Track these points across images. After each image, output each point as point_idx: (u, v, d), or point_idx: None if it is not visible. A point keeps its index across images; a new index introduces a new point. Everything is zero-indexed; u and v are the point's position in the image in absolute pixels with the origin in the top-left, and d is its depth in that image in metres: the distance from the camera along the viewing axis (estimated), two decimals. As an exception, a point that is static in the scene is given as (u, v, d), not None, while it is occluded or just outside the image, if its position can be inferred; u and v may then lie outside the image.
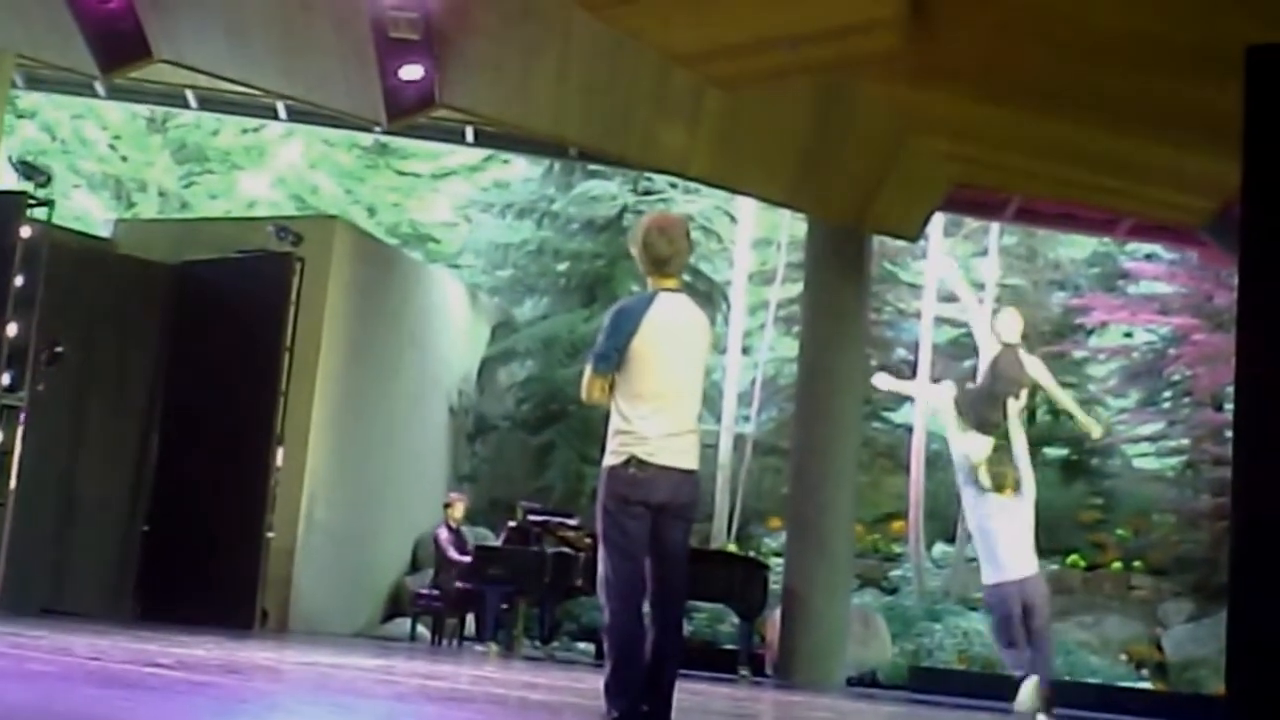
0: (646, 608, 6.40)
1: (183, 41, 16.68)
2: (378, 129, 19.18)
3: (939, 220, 23.21)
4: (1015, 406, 10.73)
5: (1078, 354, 27.80)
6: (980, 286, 26.86)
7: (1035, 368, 11.10)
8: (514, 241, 25.78)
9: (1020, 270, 27.87)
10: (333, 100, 17.94)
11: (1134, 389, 27.01)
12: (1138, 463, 26.99)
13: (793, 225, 24.33)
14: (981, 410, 10.72)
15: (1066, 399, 11.85)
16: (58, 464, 15.32)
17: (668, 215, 7.17)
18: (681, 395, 6.41)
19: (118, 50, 16.53)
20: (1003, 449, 10.51)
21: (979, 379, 11.30)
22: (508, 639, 16.51)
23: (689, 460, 6.40)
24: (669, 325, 6.42)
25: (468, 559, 16.72)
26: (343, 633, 17.65)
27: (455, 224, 28.81)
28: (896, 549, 23.68)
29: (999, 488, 10.45)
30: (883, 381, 12.29)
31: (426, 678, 10.62)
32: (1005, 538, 10.53)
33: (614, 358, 6.38)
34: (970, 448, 10.43)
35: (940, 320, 26.25)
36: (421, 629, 17.70)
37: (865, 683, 18.42)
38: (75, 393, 15.46)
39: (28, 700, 5.85)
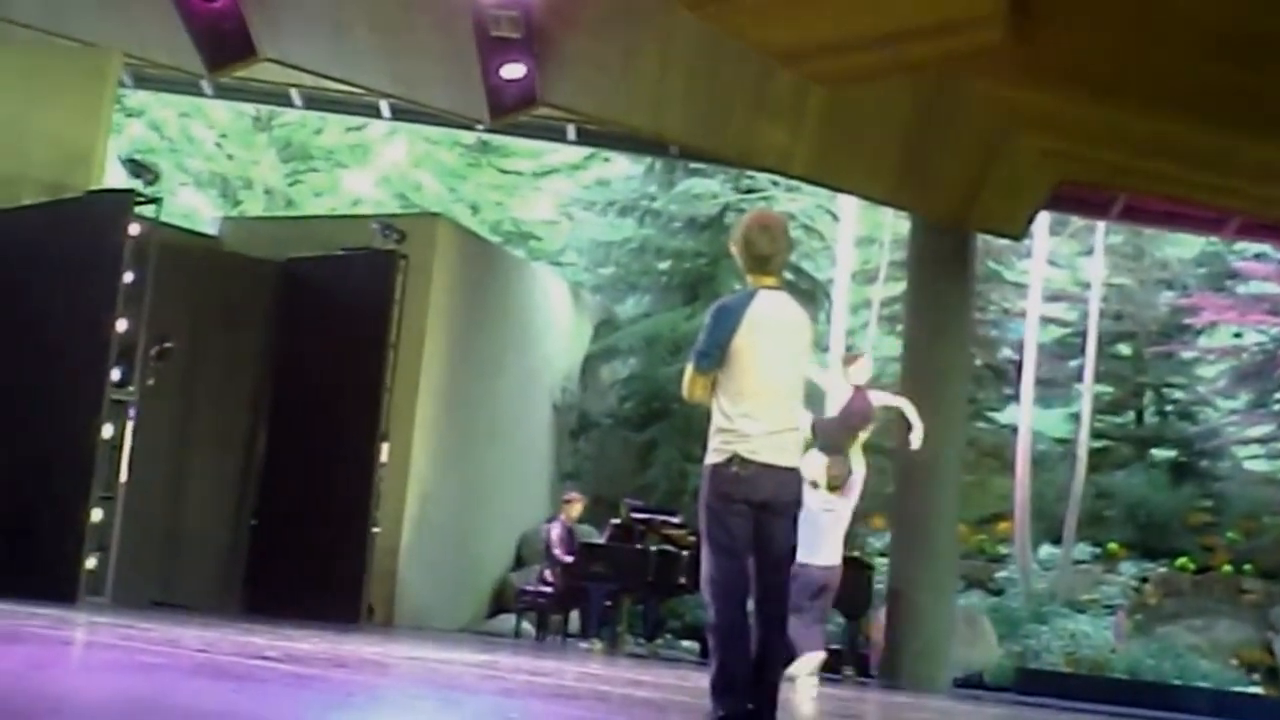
0: (751, 606, 6.36)
1: (288, 41, 16.83)
2: (480, 127, 19.27)
3: (1044, 219, 22.98)
4: (863, 435, 12.91)
5: (1186, 354, 27.48)
6: (1086, 285, 26.61)
7: (881, 399, 13.50)
8: (616, 239, 25.82)
9: (1126, 269, 27.59)
10: (435, 99, 18.05)
11: (1244, 390, 26.67)
12: (1248, 465, 26.64)
13: (896, 223, 24.20)
14: (834, 437, 12.61)
15: (907, 408, 13.62)
16: (167, 458, 15.47)
17: (769, 213, 7.12)
18: (783, 393, 6.37)
19: (224, 49, 16.71)
20: (841, 460, 12.45)
21: (834, 414, 13.08)
22: (612, 636, 16.51)
23: (791, 458, 6.36)
24: (770, 323, 6.38)
25: (571, 559, 16.76)
26: (447, 628, 17.73)
27: (557, 222, 28.90)
28: (1002, 550, 23.47)
29: (831, 488, 12.29)
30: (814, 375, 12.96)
31: (532, 674, 10.63)
32: (831, 532, 12.30)
33: (715, 355, 6.35)
34: (811, 466, 11.88)
35: (1046, 320, 26.04)
36: (526, 625, 17.74)
37: (971, 684, 18.27)
38: (183, 388, 15.61)
39: (139, 692, 5.91)
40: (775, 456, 6.28)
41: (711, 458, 6.36)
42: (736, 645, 6.26)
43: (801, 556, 11.12)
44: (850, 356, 13.85)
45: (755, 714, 6.24)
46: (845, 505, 12.62)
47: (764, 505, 6.28)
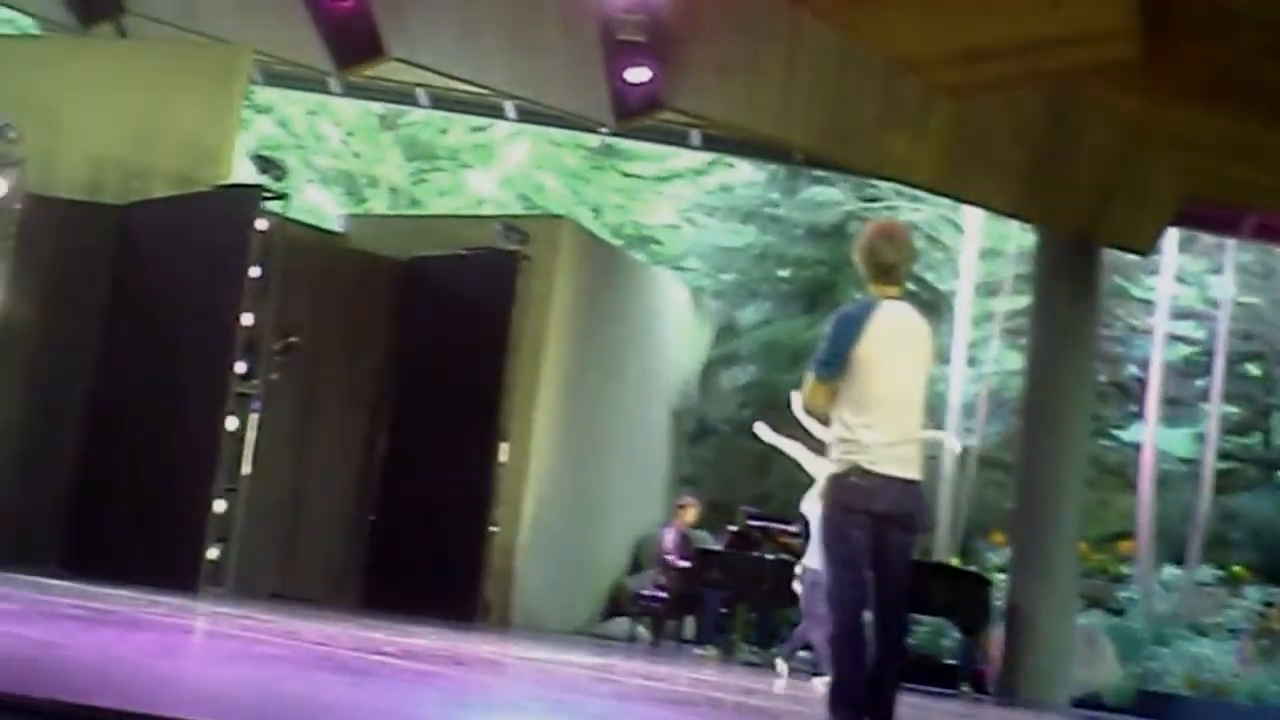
0: (869, 618, 6.30)
1: (415, 41, 16.95)
2: (604, 130, 19.29)
3: (1173, 235, 22.65)
4: None
5: (1318, 377, 26.98)
6: (1214, 303, 26.18)
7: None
8: (737, 246, 25.77)
9: (1256, 288, 27.11)
10: (560, 101, 18.09)
11: (1374, 413, 26.13)
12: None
13: (1021, 236, 23.94)
14: None
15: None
16: (289, 452, 15.59)
17: (893, 222, 7.06)
18: (904, 403, 6.30)
19: (353, 48, 16.88)
20: None
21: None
22: (726, 643, 16.45)
23: (912, 470, 6.28)
24: (892, 333, 6.31)
25: (686, 564, 16.71)
26: (562, 629, 17.74)
27: (679, 227, 28.87)
28: (1124, 569, 23.15)
29: None
30: (762, 431, 13.29)
31: (646, 678, 10.61)
32: None
33: (837, 364, 6.28)
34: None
35: (1172, 337, 25.66)
36: (641, 629, 17.72)
37: (1090, 705, 17.99)
38: (307, 382, 15.73)
39: (260, 682, 5.94)
40: (896, 468, 6.21)
41: (832, 468, 6.31)
42: (854, 657, 6.20)
43: (817, 562, 11.46)
44: None
45: None
46: None
47: (884, 517, 6.21)
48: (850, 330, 6.29)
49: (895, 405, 6.25)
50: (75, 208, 14.61)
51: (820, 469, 12.08)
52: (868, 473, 6.17)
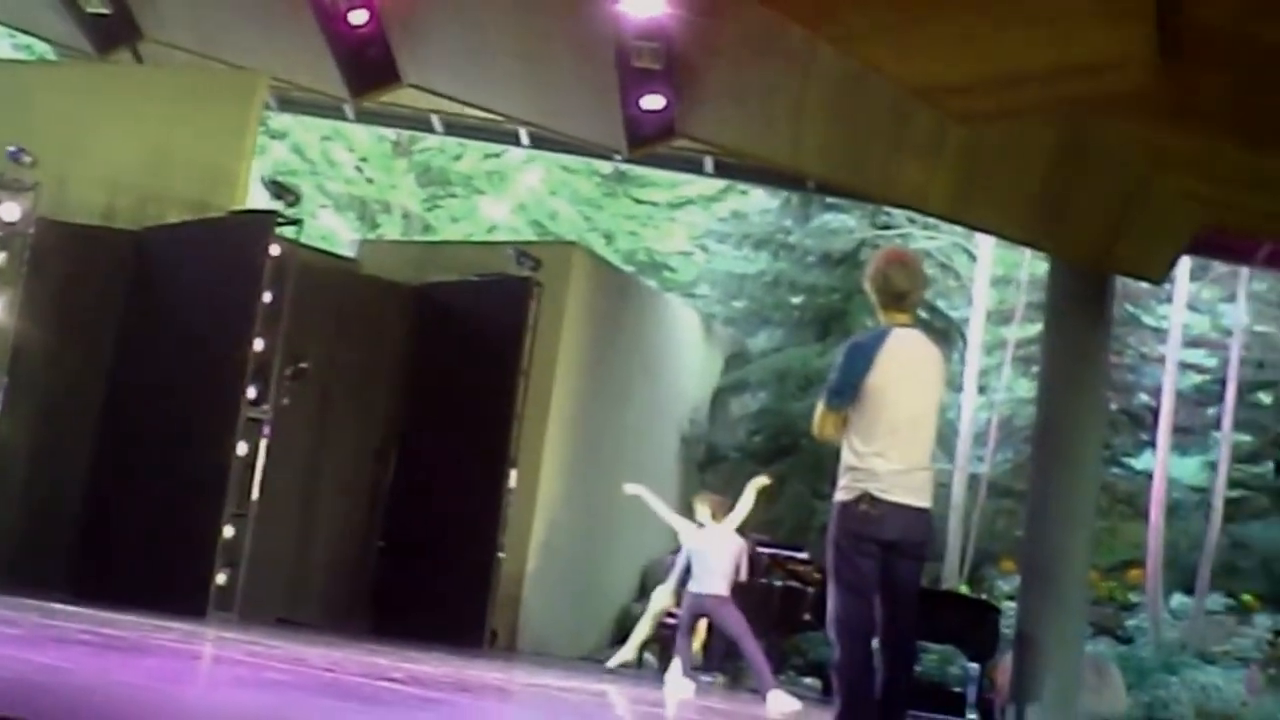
0: (876, 646, 6.30)
1: (430, 67, 17.01)
2: (618, 157, 19.33)
3: (1185, 263, 22.63)
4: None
5: (1330, 405, 26.94)
6: (1227, 332, 26.14)
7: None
8: (749, 273, 25.76)
9: (1270, 317, 27.06)
10: (574, 128, 18.13)
11: (1387, 443, 26.08)
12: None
13: (1033, 264, 23.94)
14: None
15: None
16: (298, 477, 15.65)
17: (904, 250, 7.08)
18: (915, 432, 6.30)
19: (368, 74, 16.94)
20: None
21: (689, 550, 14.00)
22: (734, 670, 16.42)
23: (922, 498, 6.28)
24: (904, 361, 6.31)
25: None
26: (570, 656, 17.74)
27: (691, 253, 28.90)
28: (1133, 598, 23.08)
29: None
30: (632, 489, 14.29)
31: (653, 705, 10.61)
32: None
33: (848, 394, 6.29)
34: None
35: (1184, 366, 25.61)
36: (648, 656, 17.69)
37: (1098, 733, 17.95)
38: (317, 408, 15.79)
39: (267, 708, 5.95)
40: (906, 496, 6.21)
41: (841, 495, 6.31)
42: (861, 684, 6.20)
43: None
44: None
45: None
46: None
47: (892, 545, 6.22)
48: (861, 360, 6.30)
49: (905, 433, 6.25)
50: (89, 232, 14.71)
51: (683, 529, 13.86)
52: (877, 500, 6.17)
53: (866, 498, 6.19)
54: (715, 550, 13.43)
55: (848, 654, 6.23)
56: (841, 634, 6.25)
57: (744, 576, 15.08)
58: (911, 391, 6.29)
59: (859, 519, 6.21)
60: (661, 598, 14.03)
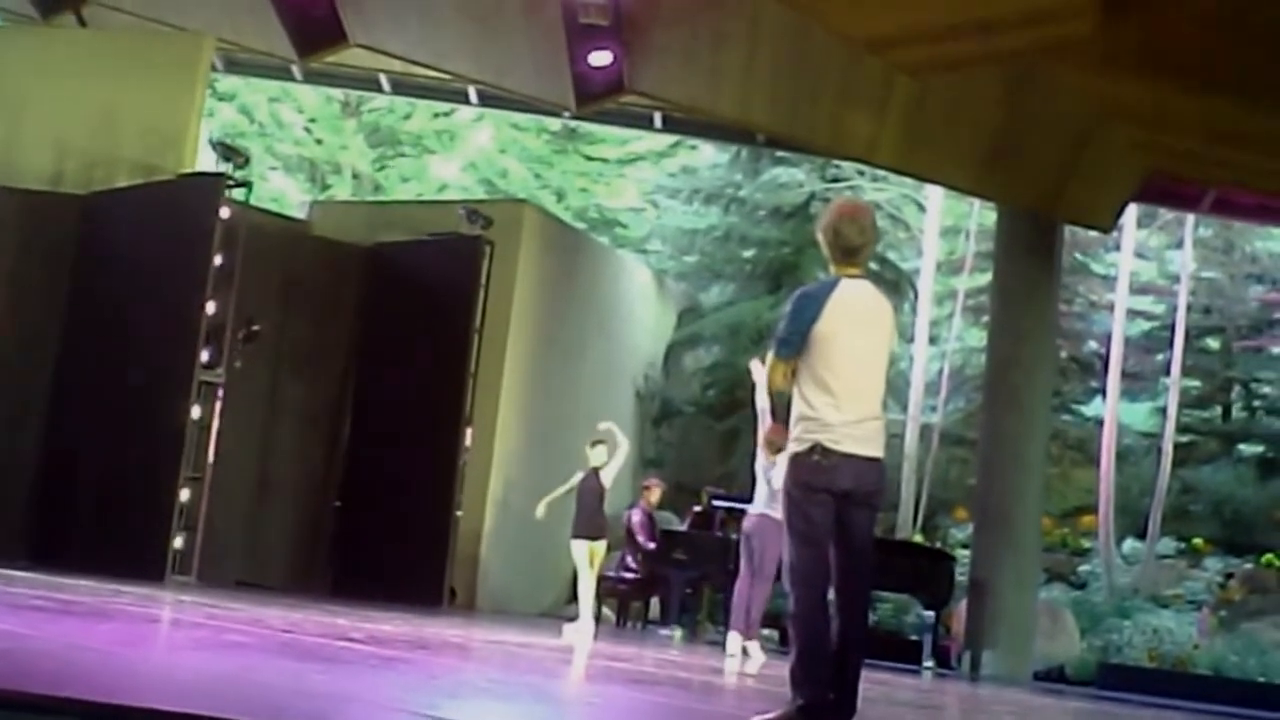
0: (832, 595, 6.35)
1: (377, 27, 16.95)
2: (567, 114, 19.31)
3: (1133, 211, 22.78)
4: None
5: (1275, 349, 27.17)
6: (1174, 278, 26.35)
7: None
8: (700, 228, 25.82)
9: (1216, 263, 27.29)
10: (523, 85, 18.10)
11: (1333, 386, 26.35)
12: (1337, 461, 26.30)
13: (982, 214, 24.05)
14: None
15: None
16: (253, 439, 15.64)
17: (857, 202, 7.04)
18: (865, 381, 6.32)
19: (314, 35, 16.87)
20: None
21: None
22: (691, 623, 16.54)
23: (873, 448, 6.30)
24: (853, 311, 6.33)
25: (652, 545, 16.78)
26: (528, 612, 17.82)
27: (642, 209, 28.90)
28: (1085, 544, 23.30)
29: None
30: (606, 427, 14.46)
31: (611, 659, 10.68)
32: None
33: (796, 342, 6.29)
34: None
35: (1133, 313, 25.80)
36: (606, 611, 17.79)
37: (1052, 678, 18.15)
38: (271, 370, 15.77)
39: (228, 670, 5.99)
40: (857, 446, 6.24)
41: (793, 447, 6.33)
42: (816, 634, 6.23)
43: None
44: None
45: (836, 703, 6.22)
46: None
47: (846, 495, 6.24)
48: (809, 309, 6.30)
49: (856, 383, 6.27)
50: (37, 197, 14.62)
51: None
52: (829, 451, 6.19)
53: (818, 448, 6.20)
54: None
55: (803, 604, 6.26)
56: (796, 583, 6.28)
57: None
58: (861, 341, 6.30)
59: (811, 469, 6.22)
60: (579, 549, 14.08)
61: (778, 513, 12.88)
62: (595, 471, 14.09)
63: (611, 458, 14.18)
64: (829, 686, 6.20)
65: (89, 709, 3.86)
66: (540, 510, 13.99)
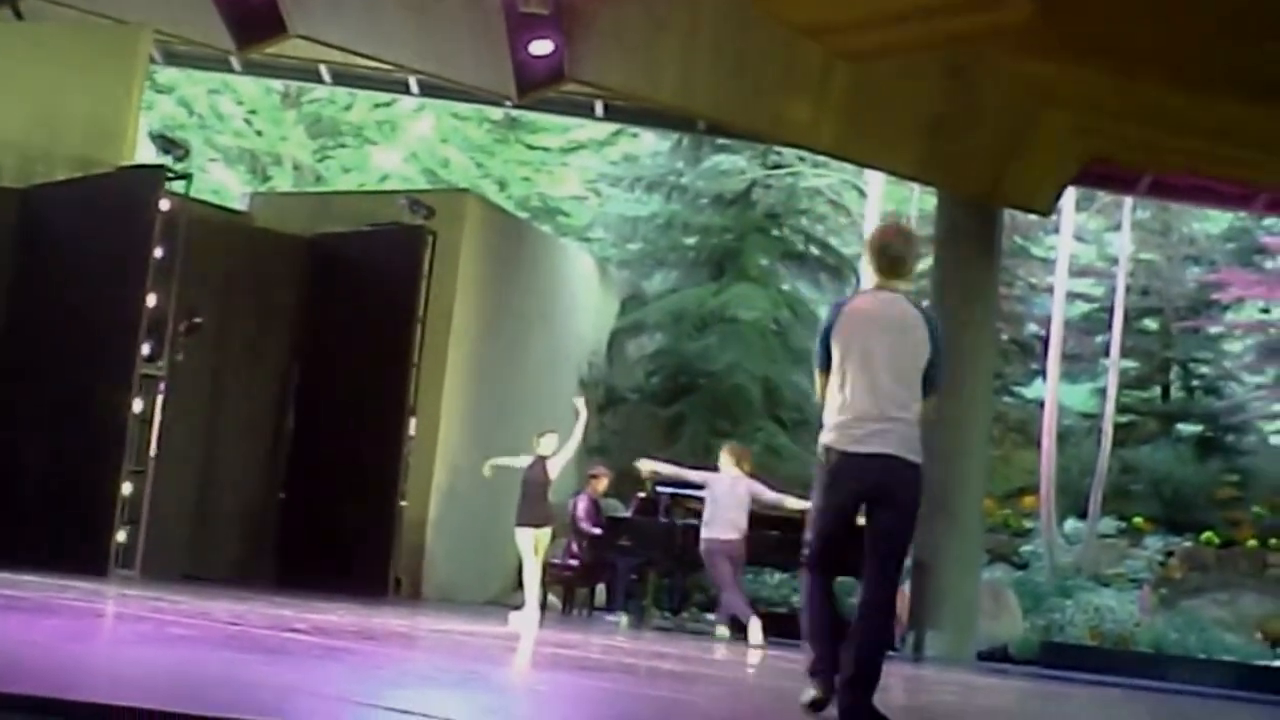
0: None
1: (317, 18, 16.91)
2: (508, 103, 19.33)
3: (1071, 194, 22.97)
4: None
5: (1213, 330, 27.49)
6: (1113, 261, 26.58)
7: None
8: (643, 215, 25.87)
9: (1154, 245, 27.57)
10: (463, 75, 18.11)
11: (1270, 365, 26.64)
12: (1274, 439, 26.64)
13: (922, 199, 24.20)
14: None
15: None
16: (196, 432, 15.59)
17: (901, 223, 7.47)
18: (882, 385, 6.39)
19: (253, 26, 16.82)
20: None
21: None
22: (638, 609, 16.59)
23: (874, 445, 6.34)
24: (868, 317, 6.49)
25: (598, 531, 16.83)
26: (474, 601, 17.84)
27: (585, 198, 28.94)
28: (1027, 524, 23.51)
29: None
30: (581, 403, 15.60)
31: (558, 646, 10.73)
32: None
33: (820, 353, 6.57)
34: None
35: (1072, 295, 26.02)
36: (552, 598, 17.82)
37: (996, 657, 18.32)
38: (213, 362, 15.71)
39: (171, 663, 6.00)
40: (855, 445, 6.35)
41: (819, 445, 6.57)
42: (813, 622, 6.49)
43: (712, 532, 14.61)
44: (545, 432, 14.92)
45: (852, 709, 6.32)
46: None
47: (871, 494, 6.38)
48: (827, 319, 6.65)
49: (871, 387, 6.38)
50: (-26, 192, 14.52)
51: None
52: (829, 450, 6.41)
53: (831, 451, 6.41)
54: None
55: (804, 589, 6.55)
56: (804, 566, 6.59)
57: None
58: (876, 348, 6.41)
59: (823, 468, 6.49)
60: (523, 537, 14.25)
61: (718, 533, 14.42)
62: (542, 460, 14.23)
63: (563, 446, 14.32)
64: (834, 664, 6.39)
65: (36, 704, 3.87)
66: (486, 469, 14.58)
